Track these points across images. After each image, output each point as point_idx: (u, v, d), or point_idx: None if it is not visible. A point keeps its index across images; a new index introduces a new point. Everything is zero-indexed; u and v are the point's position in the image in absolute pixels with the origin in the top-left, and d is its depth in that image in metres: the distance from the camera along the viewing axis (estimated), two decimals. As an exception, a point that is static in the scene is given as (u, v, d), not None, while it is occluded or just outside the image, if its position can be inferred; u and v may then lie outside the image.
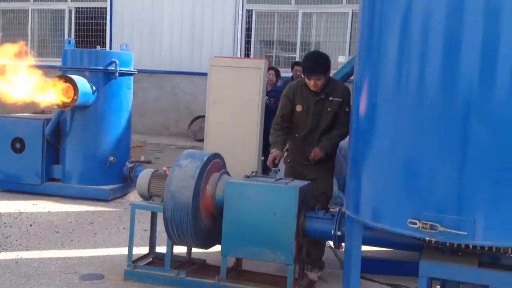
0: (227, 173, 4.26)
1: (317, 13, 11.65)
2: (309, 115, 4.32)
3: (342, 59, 11.48)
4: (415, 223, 2.73)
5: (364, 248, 3.37)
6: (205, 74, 8.95)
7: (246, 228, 3.81)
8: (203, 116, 8.20)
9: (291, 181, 3.97)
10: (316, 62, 4.23)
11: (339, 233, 3.65)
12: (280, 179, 4.01)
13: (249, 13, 11.96)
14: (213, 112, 7.18)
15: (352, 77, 4.94)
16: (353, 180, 3.24)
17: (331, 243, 3.90)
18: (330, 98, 4.27)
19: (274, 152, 4.32)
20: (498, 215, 2.69)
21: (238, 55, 11.78)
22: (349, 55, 11.27)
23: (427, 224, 2.70)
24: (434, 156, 2.73)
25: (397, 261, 4.53)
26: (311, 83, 4.22)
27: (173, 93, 12.31)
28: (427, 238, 2.76)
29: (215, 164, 4.14)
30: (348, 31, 11.35)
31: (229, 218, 3.86)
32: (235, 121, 7.00)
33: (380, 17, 2.99)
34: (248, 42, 12.05)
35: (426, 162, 2.77)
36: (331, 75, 4.46)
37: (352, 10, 11.16)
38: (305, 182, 3.98)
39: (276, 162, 4.27)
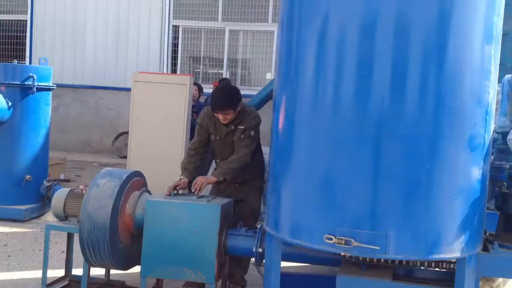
0: (148, 191, 4.18)
1: (244, 30, 11.78)
2: (222, 145, 4.28)
3: (269, 76, 11.66)
4: (331, 239, 2.80)
5: (287, 264, 3.40)
6: (130, 90, 8.81)
7: (167, 247, 3.74)
8: (127, 132, 8.05)
9: (213, 199, 3.95)
10: (221, 100, 4.12)
11: (260, 250, 3.65)
12: (202, 196, 3.98)
13: (175, 28, 11.91)
14: (137, 129, 7.06)
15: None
16: (273, 197, 3.27)
17: (253, 259, 3.90)
18: (240, 127, 4.20)
19: (181, 180, 4.16)
20: (409, 229, 2.80)
21: (165, 71, 11.68)
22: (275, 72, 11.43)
23: (342, 239, 2.77)
24: (348, 173, 2.81)
25: (318, 276, 4.59)
26: (220, 117, 4.15)
27: (97, 109, 12.00)
28: (342, 253, 2.83)
29: (135, 182, 4.05)
30: (274, 49, 11.55)
31: (149, 237, 3.77)
32: (159, 138, 6.90)
33: (298, 38, 3.06)
34: (175, 58, 11.98)
35: (341, 178, 2.85)
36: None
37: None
38: (227, 200, 3.96)
39: (177, 190, 4.07)
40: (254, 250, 3.67)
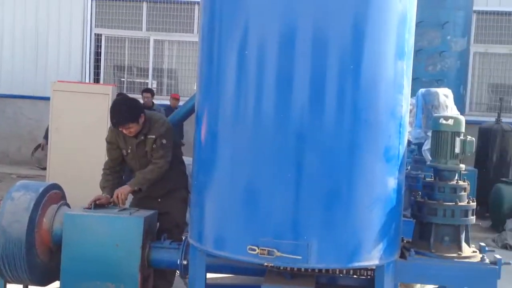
0: (67, 204, 4.05)
1: (169, 40, 11.71)
2: (135, 158, 4.17)
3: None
4: (254, 249, 2.83)
5: (213, 275, 3.39)
6: (49, 99, 8.51)
7: (87, 262, 3.63)
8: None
9: (136, 211, 3.88)
10: (120, 115, 3.98)
11: (185, 262, 3.61)
12: (124, 209, 3.90)
13: (98, 37, 11.65)
14: (57, 139, 6.84)
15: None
16: (196, 209, 3.27)
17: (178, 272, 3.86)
18: (150, 137, 4.10)
19: (102, 197, 4.00)
20: (329, 238, 2.89)
21: (87, 80, 11.38)
22: (201, 83, 11.44)
23: (265, 250, 2.81)
24: (270, 184, 2.87)
25: (244, 286, 4.62)
26: (124, 131, 4.05)
27: (15, 118, 11.50)
28: (265, 263, 2.86)
29: (52, 195, 3.92)
30: (201, 59, 11.56)
31: (68, 252, 3.66)
32: (81, 149, 6.74)
33: (219, 49, 3.08)
34: (97, 67, 11.70)
35: (263, 190, 2.90)
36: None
37: (204, 39, 11.39)
38: (150, 212, 3.89)
39: (96, 203, 3.92)
40: (178, 262, 3.63)
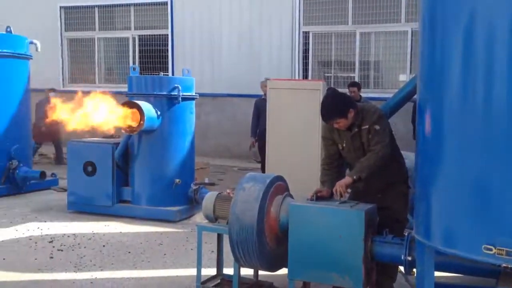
0: (291, 195, 4.27)
1: (375, 32, 11.61)
2: (352, 151, 4.18)
3: (403, 78, 11.36)
4: (490, 249, 2.67)
5: (436, 273, 3.30)
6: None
7: (312, 251, 3.80)
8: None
9: (356, 204, 3.93)
10: (328, 111, 4.06)
11: (409, 258, 3.56)
12: (344, 202, 3.97)
13: (305, 34, 12.06)
14: (273, 135, 7.23)
15: (415, 96, 4.91)
16: (422, 204, 3.19)
17: (401, 268, 3.83)
18: (364, 127, 4.08)
19: (323, 190, 4.12)
20: None
21: (296, 77, 11.86)
22: (410, 73, 11.13)
23: (503, 250, 2.63)
24: (505, 178, 2.66)
25: (472, 287, 4.36)
26: (335, 126, 4.10)
27: (234, 116, 12.50)
28: (503, 265, 2.69)
29: (278, 186, 4.17)
30: (408, 49, 11.22)
31: (295, 241, 3.86)
32: (294, 144, 7.01)
33: (442, 34, 2.95)
34: (305, 63, 12.12)
35: (496, 184, 2.70)
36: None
37: (412, 28, 11.04)
38: (370, 205, 3.91)
39: (318, 195, 4.04)
40: (403, 258, 3.59)
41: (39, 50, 8.83)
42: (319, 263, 3.79)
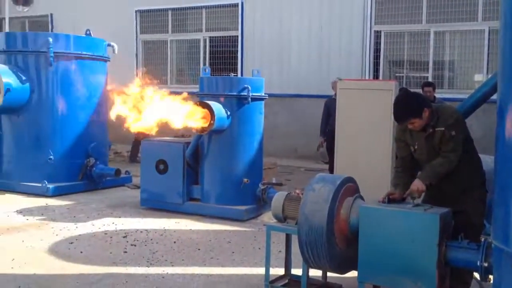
0: (361, 197, 4.21)
1: (450, 31, 11.22)
2: (424, 154, 4.07)
3: (479, 78, 10.92)
4: None
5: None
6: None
7: (383, 254, 3.74)
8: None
9: (430, 208, 3.83)
10: (400, 111, 3.99)
11: (485, 264, 3.43)
12: (418, 205, 3.88)
13: (377, 34, 11.83)
14: (342, 135, 7.13)
15: (492, 97, 4.70)
16: (500, 209, 3.06)
17: (476, 275, 3.68)
18: (438, 129, 3.97)
19: (395, 192, 4.04)
20: None
21: (366, 77, 11.66)
22: (486, 73, 10.67)
23: None
24: None
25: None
26: (409, 126, 4.01)
27: (302, 116, 12.46)
28: None
29: (348, 188, 4.12)
30: (485, 48, 10.77)
31: (365, 243, 3.81)
32: (364, 145, 6.88)
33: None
34: (376, 63, 11.89)
35: None
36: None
37: (489, 27, 10.59)
38: (445, 209, 3.79)
39: (389, 198, 3.96)
40: (478, 264, 3.46)
41: (116, 52, 9.19)
42: (390, 267, 3.72)
